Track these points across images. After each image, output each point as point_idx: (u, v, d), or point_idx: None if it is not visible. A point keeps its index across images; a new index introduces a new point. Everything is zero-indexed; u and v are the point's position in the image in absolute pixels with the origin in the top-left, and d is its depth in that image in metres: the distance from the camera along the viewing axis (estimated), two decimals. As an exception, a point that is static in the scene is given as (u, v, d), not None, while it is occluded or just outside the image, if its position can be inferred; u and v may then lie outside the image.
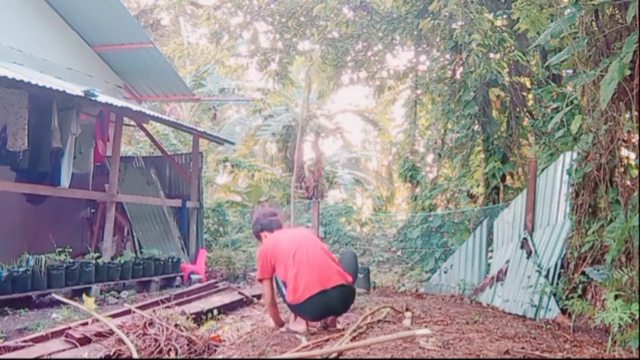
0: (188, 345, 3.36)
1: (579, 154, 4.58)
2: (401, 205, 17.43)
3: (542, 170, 5.64)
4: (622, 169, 4.04)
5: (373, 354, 2.84)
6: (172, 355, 3.25)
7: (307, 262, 3.64)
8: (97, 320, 3.85)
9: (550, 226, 5.13)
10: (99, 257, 6.72)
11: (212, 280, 7.20)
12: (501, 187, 7.76)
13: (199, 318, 4.44)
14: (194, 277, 8.05)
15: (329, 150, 19.84)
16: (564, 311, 4.41)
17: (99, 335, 3.61)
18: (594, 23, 4.13)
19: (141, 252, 8.08)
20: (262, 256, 3.87)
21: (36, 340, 3.59)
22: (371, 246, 10.88)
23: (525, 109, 7.92)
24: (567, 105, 4.31)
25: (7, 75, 5.18)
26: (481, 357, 2.87)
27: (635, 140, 4.12)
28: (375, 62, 10.02)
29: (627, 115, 3.95)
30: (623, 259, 3.71)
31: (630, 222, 3.46)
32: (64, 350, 3.45)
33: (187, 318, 3.76)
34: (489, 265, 6.27)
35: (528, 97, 8.02)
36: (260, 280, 3.95)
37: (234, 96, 15.56)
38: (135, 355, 3.16)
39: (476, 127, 8.02)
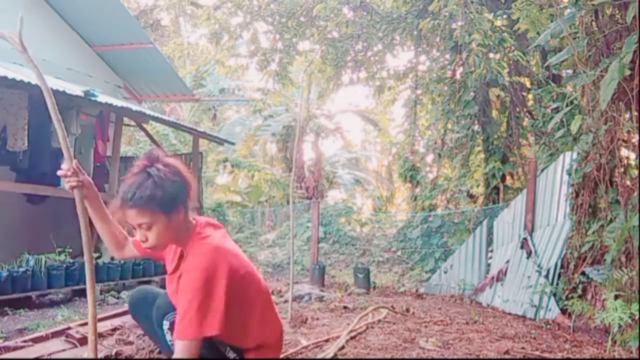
0: (188, 345, 3.34)
1: (579, 154, 4.57)
2: (401, 205, 17.43)
3: (542, 170, 5.64)
4: (622, 169, 4.04)
5: (373, 354, 2.84)
6: (172, 355, 3.24)
7: None
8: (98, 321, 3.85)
9: (550, 226, 5.13)
10: (99, 257, 6.71)
11: (212, 280, 7.18)
12: (501, 187, 7.76)
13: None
14: (194, 277, 8.03)
15: (329, 150, 19.85)
16: (564, 311, 4.40)
17: (99, 335, 3.61)
18: (594, 23, 4.13)
19: (141, 252, 8.07)
20: None
21: (36, 340, 3.59)
22: (371, 246, 10.88)
23: (525, 109, 7.92)
24: (567, 105, 4.30)
25: (7, 75, 5.17)
26: (481, 357, 2.87)
27: (635, 140, 4.12)
28: (375, 62, 10.03)
29: (627, 115, 3.95)
30: (623, 259, 3.71)
31: (630, 222, 3.46)
32: (64, 350, 3.45)
33: (187, 318, 3.74)
34: (489, 265, 6.27)
35: (528, 97, 8.01)
36: None
37: (234, 96, 15.55)
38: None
39: (476, 127, 8.02)
